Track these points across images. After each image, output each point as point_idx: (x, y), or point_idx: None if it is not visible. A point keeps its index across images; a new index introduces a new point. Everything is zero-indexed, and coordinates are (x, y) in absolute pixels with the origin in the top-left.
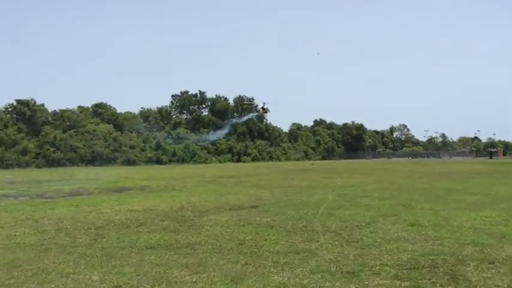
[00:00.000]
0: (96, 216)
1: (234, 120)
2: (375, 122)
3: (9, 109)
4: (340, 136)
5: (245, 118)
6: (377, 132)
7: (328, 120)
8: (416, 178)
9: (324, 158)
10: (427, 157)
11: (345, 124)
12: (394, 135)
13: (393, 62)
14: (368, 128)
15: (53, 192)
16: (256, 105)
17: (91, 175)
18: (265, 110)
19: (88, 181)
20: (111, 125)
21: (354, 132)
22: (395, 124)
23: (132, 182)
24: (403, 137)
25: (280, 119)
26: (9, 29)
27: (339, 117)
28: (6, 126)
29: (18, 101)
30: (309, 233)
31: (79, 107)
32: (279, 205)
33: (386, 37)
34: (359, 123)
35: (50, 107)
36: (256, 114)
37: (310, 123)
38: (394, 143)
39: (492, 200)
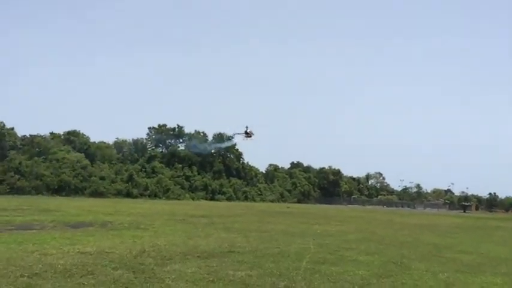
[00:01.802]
0: (36, 258)
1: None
2: (351, 168)
3: None
4: (316, 180)
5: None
6: (353, 179)
7: (305, 163)
8: (397, 229)
9: (299, 201)
10: (402, 207)
11: (322, 168)
12: (370, 183)
13: (371, 109)
14: (344, 174)
15: (1, 224)
16: (235, 144)
17: (52, 206)
18: (248, 134)
19: (46, 212)
20: (82, 154)
21: (331, 177)
22: (371, 171)
23: (95, 216)
24: (378, 185)
25: (257, 159)
26: None
27: (315, 161)
28: None
29: None
30: None
31: (51, 133)
32: (254, 254)
33: (364, 85)
34: (336, 168)
35: (21, 131)
36: (237, 136)
37: (287, 165)
38: (369, 190)
39: (489, 262)
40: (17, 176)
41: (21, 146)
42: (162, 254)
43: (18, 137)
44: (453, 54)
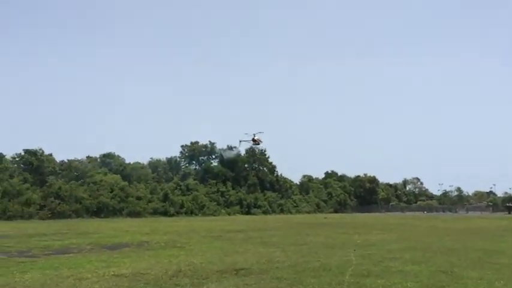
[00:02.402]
0: (71, 284)
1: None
2: (387, 175)
3: (17, 159)
4: (352, 189)
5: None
6: (390, 185)
7: (339, 172)
8: (442, 236)
9: (336, 211)
10: (443, 211)
11: (357, 177)
12: (407, 188)
13: (404, 112)
14: (380, 181)
15: (40, 248)
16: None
17: (91, 228)
18: (256, 142)
19: (84, 235)
20: (118, 176)
21: (367, 185)
22: (408, 177)
23: (132, 236)
24: (416, 190)
25: (290, 171)
26: (18, 76)
27: (350, 170)
28: (11, 177)
29: (26, 151)
30: None
31: (87, 157)
32: (294, 269)
33: (398, 87)
34: (372, 175)
35: (59, 157)
36: (247, 142)
37: (321, 175)
38: (407, 196)
39: None
40: (57, 201)
41: (60, 171)
42: (198, 273)
43: (56, 162)
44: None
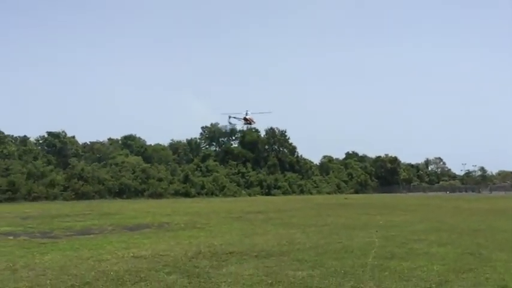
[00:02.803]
0: (90, 265)
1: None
2: (409, 155)
3: (40, 141)
4: (373, 169)
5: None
6: (412, 166)
7: (360, 153)
8: (467, 216)
9: (356, 192)
10: (466, 191)
11: (378, 157)
12: (430, 169)
13: (427, 91)
14: (402, 161)
15: (62, 229)
16: (288, 138)
17: (113, 209)
18: (248, 121)
19: (106, 216)
20: (140, 157)
21: (388, 165)
22: (431, 157)
23: (152, 217)
24: (438, 171)
25: (310, 152)
26: (42, 61)
27: (371, 150)
28: (35, 158)
29: (50, 133)
30: None
31: (109, 139)
32: (315, 251)
33: (421, 69)
34: (393, 156)
35: (81, 139)
36: (237, 120)
37: (341, 156)
38: (429, 177)
39: None
40: (80, 182)
41: (82, 153)
42: (217, 255)
43: (79, 144)
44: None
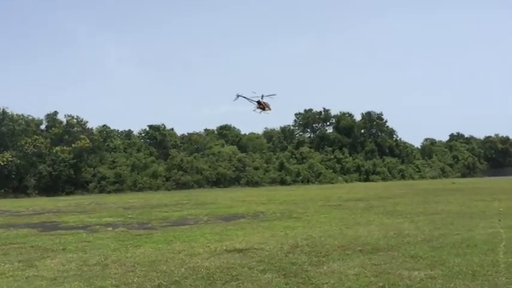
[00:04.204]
0: (181, 260)
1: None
2: None
3: (143, 134)
4: (482, 151)
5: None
6: None
7: (466, 134)
8: None
9: (464, 176)
10: None
11: (488, 137)
12: None
13: None
14: None
15: (159, 220)
16: (385, 121)
17: (210, 198)
18: (262, 106)
19: (202, 206)
20: (235, 147)
21: (499, 146)
22: None
23: (248, 206)
24: None
25: (410, 134)
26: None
27: (478, 131)
28: (138, 151)
29: (150, 126)
30: None
31: (205, 130)
32: (430, 245)
33: None
34: (504, 135)
35: (179, 131)
36: (249, 101)
37: (445, 138)
38: None
39: None
40: (180, 172)
41: (181, 144)
42: (317, 249)
43: (177, 136)
44: None
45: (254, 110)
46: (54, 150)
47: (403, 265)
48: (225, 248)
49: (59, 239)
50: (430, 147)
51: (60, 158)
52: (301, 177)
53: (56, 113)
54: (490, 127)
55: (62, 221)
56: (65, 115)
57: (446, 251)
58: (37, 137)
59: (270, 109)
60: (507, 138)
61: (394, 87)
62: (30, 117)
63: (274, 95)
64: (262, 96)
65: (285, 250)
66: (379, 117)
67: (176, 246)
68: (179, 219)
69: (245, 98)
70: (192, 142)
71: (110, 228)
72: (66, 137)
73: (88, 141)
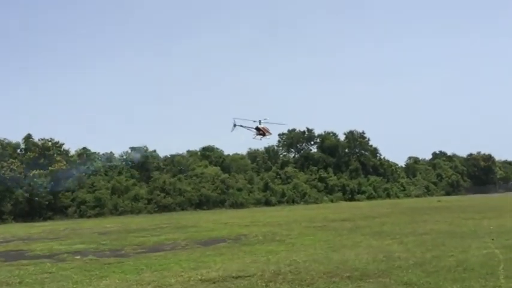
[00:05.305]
0: None
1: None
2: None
3: (124, 156)
4: (465, 169)
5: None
6: (509, 163)
7: (448, 152)
8: None
9: (448, 194)
10: None
11: (470, 155)
12: None
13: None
14: (497, 159)
15: (133, 246)
16: (368, 140)
17: (191, 221)
18: (261, 132)
19: (182, 229)
20: (218, 167)
21: (482, 163)
22: None
23: (230, 229)
24: None
25: (394, 153)
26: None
27: (460, 149)
28: (120, 173)
29: (132, 148)
30: None
31: (188, 151)
32: (423, 269)
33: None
34: (487, 153)
35: (161, 153)
36: (247, 129)
37: (428, 156)
38: None
39: None
40: (162, 195)
41: (163, 166)
42: (301, 277)
43: (160, 158)
44: None
45: (254, 138)
46: (31, 174)
47: None
48: (199, 277)
49: (18, 271)
50: (413, 165)
51: (37, 183)
52: (286, 198)
53: (29, 135)
54: (472, 145)
55: (29, 249)
56: (39, 139)
57: (442, 276)
58: (13, 161)
59: (270, 133)
60: (489, 156)
61: (375, 105)
62: (6, 141)
63: (265, 119)
64: (260, 122)
65: (265, 278)
66: (362, 135)
67: (146, 276)
68: (155, 244)
69: (242, 126)
70: (175, 163)
71: (79, 257)
72: (42, 160)
73: (65, 163)
